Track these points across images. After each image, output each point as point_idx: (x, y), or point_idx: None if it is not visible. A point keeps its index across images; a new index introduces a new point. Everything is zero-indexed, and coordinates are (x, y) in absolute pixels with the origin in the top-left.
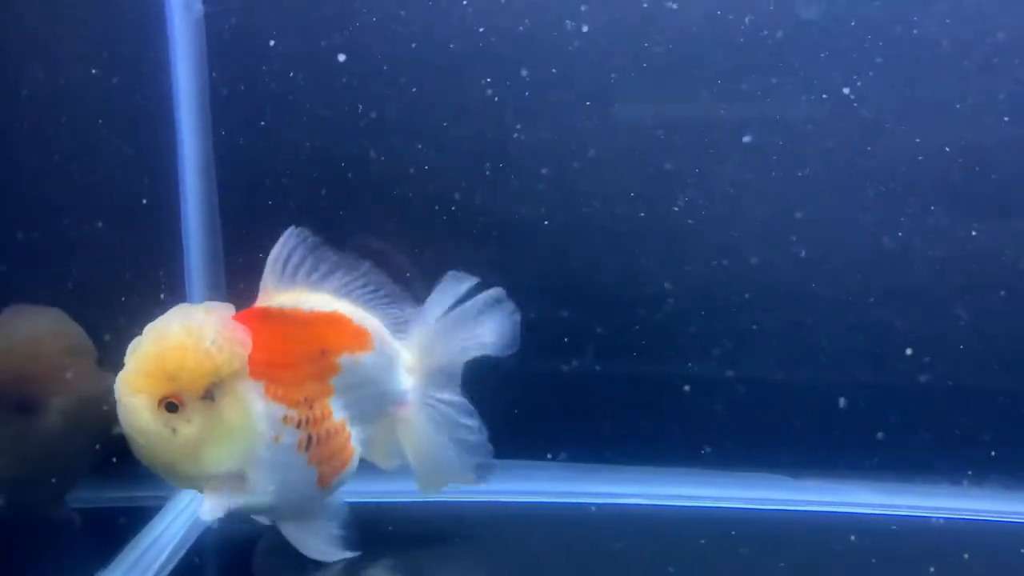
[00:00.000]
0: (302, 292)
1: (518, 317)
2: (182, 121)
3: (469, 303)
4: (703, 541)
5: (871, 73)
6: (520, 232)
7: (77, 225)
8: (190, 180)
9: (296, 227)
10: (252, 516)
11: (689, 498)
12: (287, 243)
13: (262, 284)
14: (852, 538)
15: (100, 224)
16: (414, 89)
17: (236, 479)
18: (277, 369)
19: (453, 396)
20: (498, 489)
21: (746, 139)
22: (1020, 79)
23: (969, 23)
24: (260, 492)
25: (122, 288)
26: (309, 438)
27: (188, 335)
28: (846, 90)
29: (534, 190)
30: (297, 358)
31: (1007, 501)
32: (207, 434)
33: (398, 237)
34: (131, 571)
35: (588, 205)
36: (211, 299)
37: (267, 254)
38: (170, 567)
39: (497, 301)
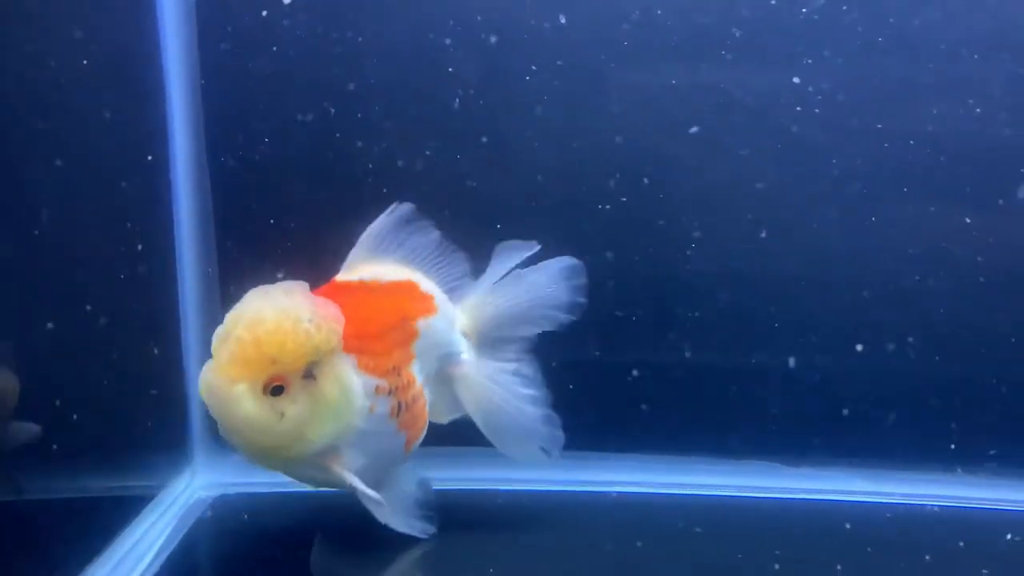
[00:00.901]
0: (378, 263)
1: (581, 282)
2: (172, 105)
3: (528, 268)
4: (699, 529)
5: (835, 57)
6: (513, 222)
7: (65, 211)
8: (181, 167)
9: (399, 203)
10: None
11: (684, 486)
12: (386, 219)
13: (350, 258)
14: (847, 526)
15: (89, 211)
16: (410, 77)
17: (331, 453)
18: (366, 341)
19: (511, 356)
20: (484, 477)
21: (693, 130)
22: (993, 68)
23: (939, 12)
24: (352, 462)
25: (113, 273)
26: (399, 405)
27: (285, 316)
28: (796, 79)
29: (527, 179)
30: (383, 328)
31: (1001, 489)
32: (311, 412)
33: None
34: (123, 561)
35: (580, 191)
36: (203, 284)
37: (260, 245)
38: (163, 557)
39: (559, 267)
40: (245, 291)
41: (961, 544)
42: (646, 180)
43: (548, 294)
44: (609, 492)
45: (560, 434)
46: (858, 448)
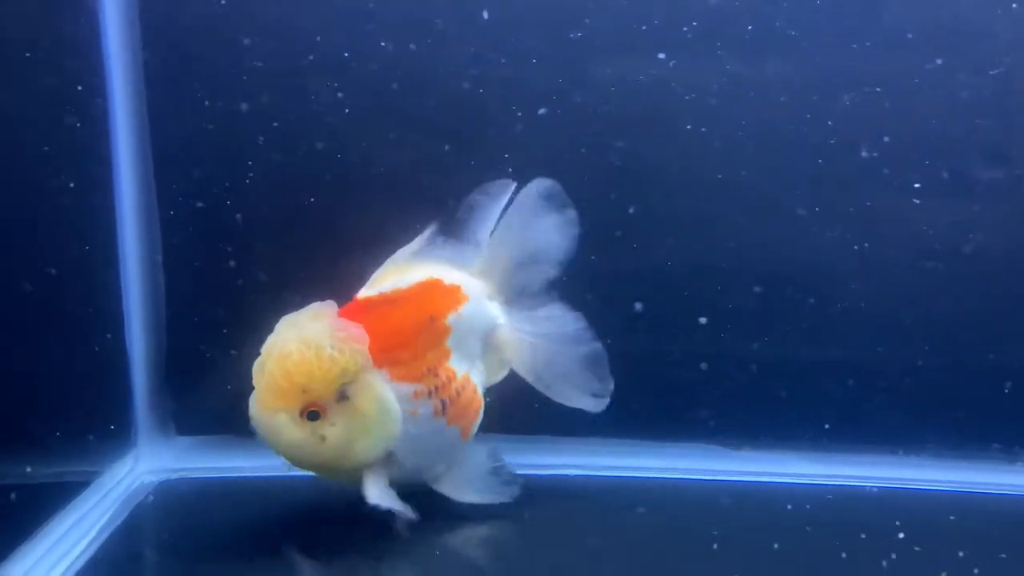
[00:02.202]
0: (394, 271)
1: (561, 198)
2: (114, 96)
3: (510, 212)
4: (641, 510)
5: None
6: None
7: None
8: (123, 154)
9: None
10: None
11: (626, 468)
12: (419, 240)
13: (376, 274)
14: (788, 507)
15: (27, 193)
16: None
17: (388, 459)
18: (396, 351)
19: (539, 301)
20: None
21: (541, 111)
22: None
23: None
24: (411, 464)
25: (53, 253)
26: (443, 403)
27: (307, 347)
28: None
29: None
30: (410, 335)
31: (940, 470)
32: (351, 431)
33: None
34: (58, 545)
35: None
36: (146, 263)
37: (204, 227)
38: (100, 541)
39: (535, 193)
40: (189, 272)
41: (898, 523)
42: (614, 167)
43: (540, 223)
44: (551, 475)
45: (607, 371)
46: (802, 431)
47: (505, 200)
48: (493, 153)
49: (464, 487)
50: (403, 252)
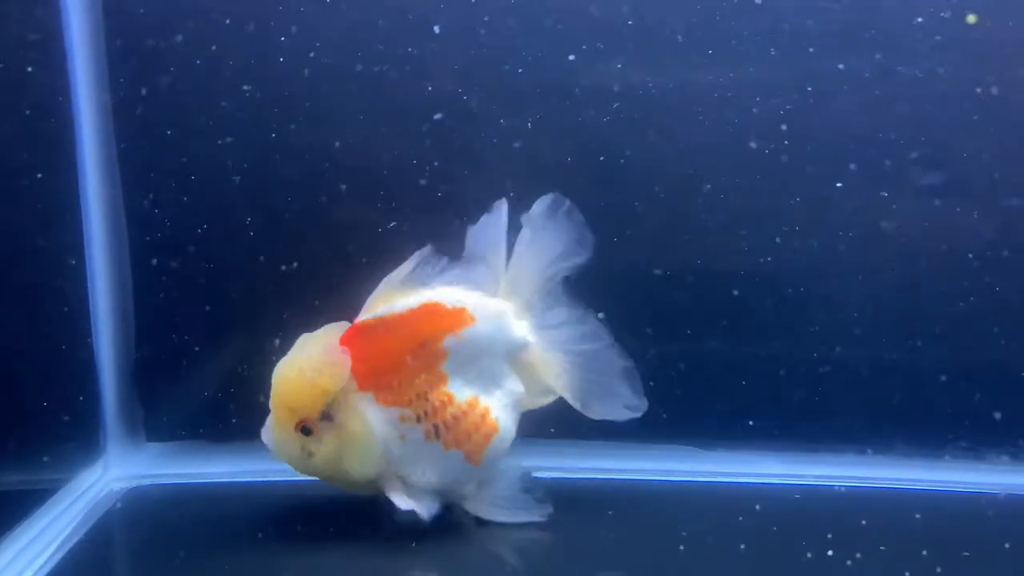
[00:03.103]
0: (394, 295)
1: (575, 216)
2: (79, 99)
3: (524, 231)
4: (610, 512)
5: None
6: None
7: None
8: (88, 154)
9: (423, 248)
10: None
11: (596, 470)
12: (409, 263)
13: (369, 299)
14: (757, 507)
15: None
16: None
17: (396, 478)
18: (383, 376)
19: (563, 314)
20: None
21: (437, 116)
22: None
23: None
24: (427, 485)
25: (19, 256)
26: (435, 427)
27: (292, 369)
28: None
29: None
30: (399, 359)
31: (907, 469)
32: (337, 449)
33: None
34: (24, 551)
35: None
36: (114, 267)
37: (170, 227)
38: (66, 549)
39: (548, 209)
40: (158, 277)
41: (864, 523)
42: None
43: (555, 235)
44: None
45: (639, 384)
46: (771, 431)
47: (503, 217)
48: (482, 166)
49: (492, 507)
50: (396, 274)
